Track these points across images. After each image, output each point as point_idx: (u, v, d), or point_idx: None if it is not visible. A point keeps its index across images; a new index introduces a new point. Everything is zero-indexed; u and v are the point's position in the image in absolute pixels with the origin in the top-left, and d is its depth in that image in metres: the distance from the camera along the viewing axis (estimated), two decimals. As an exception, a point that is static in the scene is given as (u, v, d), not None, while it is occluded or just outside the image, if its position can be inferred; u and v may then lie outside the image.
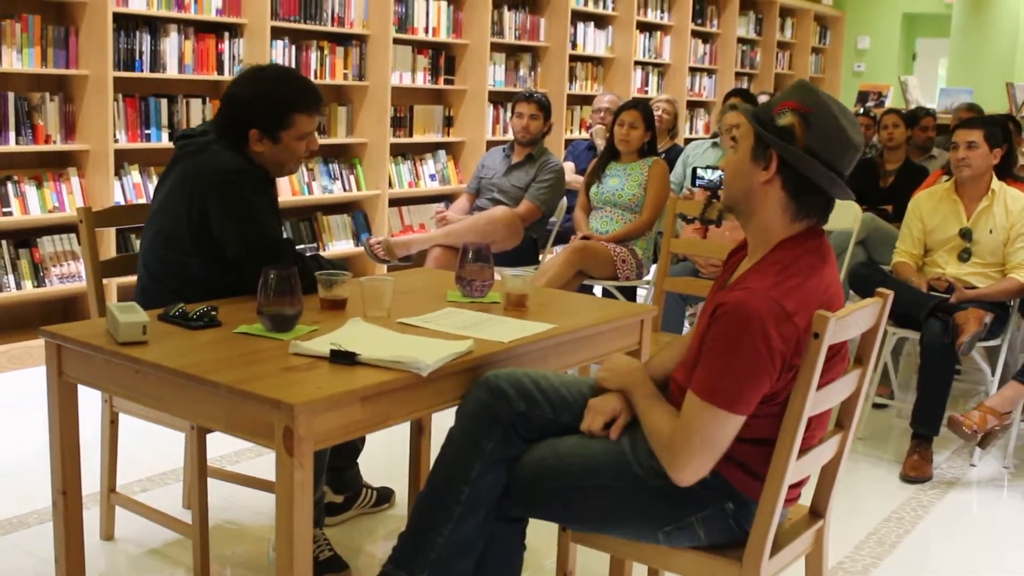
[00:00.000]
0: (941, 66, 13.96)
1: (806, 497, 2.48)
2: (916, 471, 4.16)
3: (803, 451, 2.20)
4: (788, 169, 2.19)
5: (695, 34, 10.51)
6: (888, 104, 9.52)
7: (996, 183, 4.50)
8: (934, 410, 4.25)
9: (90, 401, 2.88)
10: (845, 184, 2.21)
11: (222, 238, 2.89)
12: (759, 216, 2.25)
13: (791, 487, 2.24)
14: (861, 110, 7.88)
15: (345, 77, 6.78)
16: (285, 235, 3.28)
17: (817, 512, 2.49)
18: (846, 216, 4.77)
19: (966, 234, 4.48)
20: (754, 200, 2.25)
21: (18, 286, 5.17)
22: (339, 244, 6.80)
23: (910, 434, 4.30)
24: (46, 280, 5.28)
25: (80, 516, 2.65)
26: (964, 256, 4.49)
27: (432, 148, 7.67)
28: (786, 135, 2.18)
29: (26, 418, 4.39)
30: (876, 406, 4.94)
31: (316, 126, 3.05)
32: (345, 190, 6.85)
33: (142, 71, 5.60)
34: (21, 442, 4.11)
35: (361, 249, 6.38)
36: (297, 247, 3.16)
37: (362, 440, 3.43)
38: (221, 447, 3.96)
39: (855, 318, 2.20)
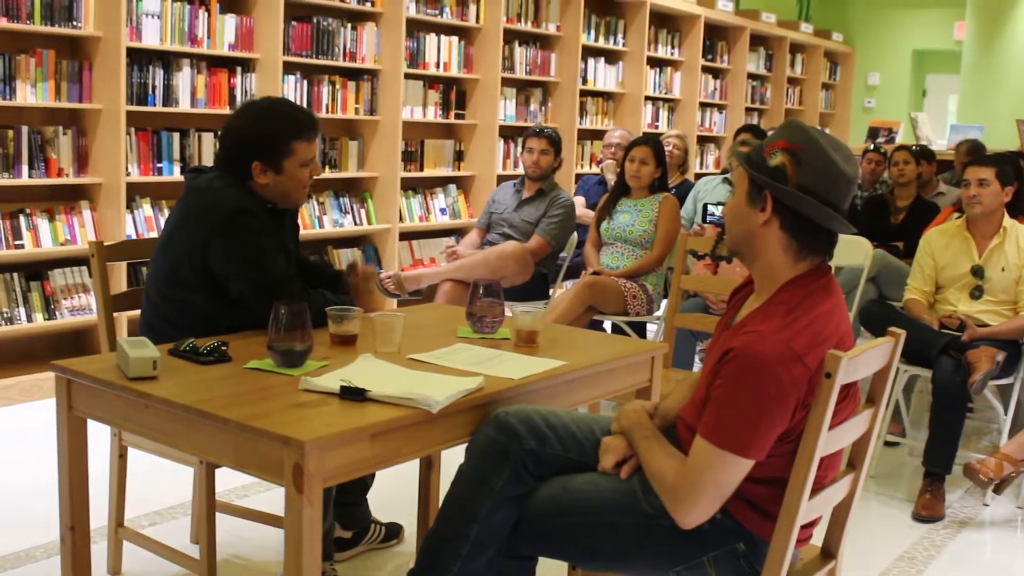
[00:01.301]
0: (951, 102, 13.99)
1: (818, 537, 2.46)
2: (928, 510, 4.13)
3: (815, 491, 2.19)
4: (784, 209, 2.20)
5: (705, 69, 10.55)
6: (899, 140, 9.53)
7: (1008, 220, 4.49)
8: (946, 448, 4.22)
9: (99, 434, 2.87)
10: (844, 218, 2.21)
11: (224, 275, 2.89)
12: (763, 258, 2.25)
13: (803, 527, 2.22)
14: (871, 146, 7.88)
15: (356, 111, 6.81)
16: (316, 259, 3.28)
17: (829, 552, 2.47)
18: (857, 253, 4.76)
19: (978, 271, 4.46)
20: (755, 242, 2.25)
21: (29, 319, 5.18)
22: (349, 278, 6.79)
23: (922, 472, 4.27)
24: (57, 313, 5.29)
25: (88, 551, 2.64)
26: (976, 294, 4.47)
27: (442, 182, 7.70)
28: (778, 175, 2.19)
29: (35, 451, 4.39)
30: (888, 444, 4.91)
31: (316, 151, 3.06)
32: (356, 224, 6.87)
33: (155, 105, 5.64)
34: (30, 475, 4.11)
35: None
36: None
37: (371, 476, 3.42)
38: (229, 481, 3.95)
39: (867, 357, 2.19)
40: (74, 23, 5.25)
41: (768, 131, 7.82)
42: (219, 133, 3.05)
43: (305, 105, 6.44)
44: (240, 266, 2.87)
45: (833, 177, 2.19)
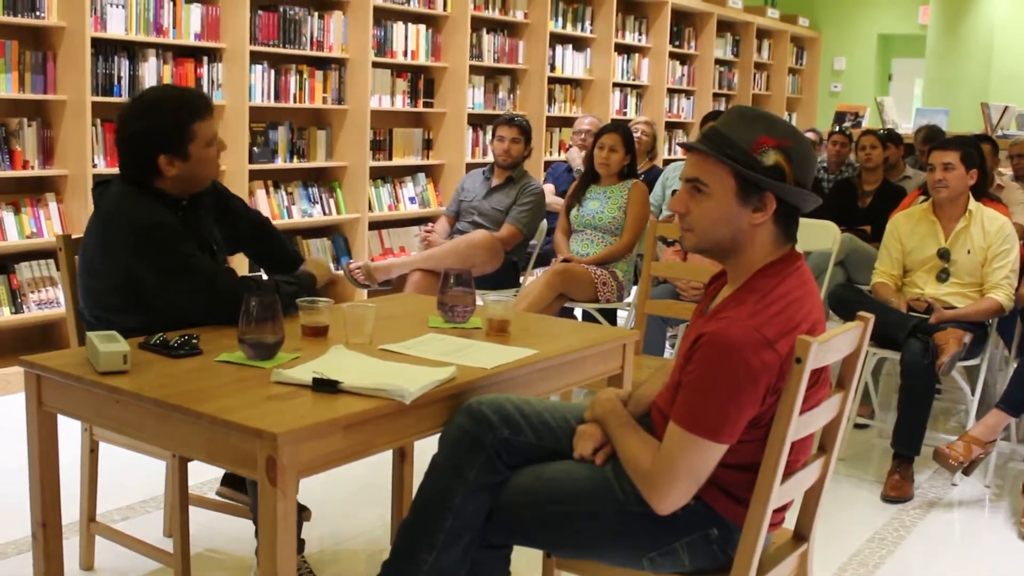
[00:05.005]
0: (917, 86, 14.09)
1: (790, 521, 2.48)
2: (897, 491, 4.18)
3: (786, 475, 2.20)
4: (783, 205, 2.21)
5: (673, 56, 10.57)
6: (865, 124, 9.59)
7: (973, 204, 4.53)
8: (915, 430, 4.26)
9: (70, 427, 2.85)
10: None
11: (158, 294, 2.82)
12: (746, 252, 2.24)
13: (775, 512, 2.24)
14: (837, 129, 7.93)
15: (324, 101, 6.78)
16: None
17: (801, 536, 2.49)
18: (825, 237, 4.80)
19: (944, 254, 4.50)
20: (742, 239, 2.23)
21: (-4, 313, 5.14)
22: (319, 268, 6.76)
23: (891, 454, 4.32)
24: (24, 306, 5.24)
25: (60, 547, 2.62)
26: (942, 276, 4.51)
27: (411, 171, 7.68)
28: (777, 174, 2.18)
29: (3, 446, 4.35)
30: (857, 426, 4.95)
31: (215, 127, 3.00)
32: (325, 214, 6.84)
33: (120, 96, 5.59)
34: (-1, 471, 4.08)
35: (341, 273, 6.36)
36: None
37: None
38: (202, 474, 3.92)
39: (837, 342, 2.21)
40: (37, 13, 5.20)
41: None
42: (115, 138, 2.99)
43: (273, 95, 6.42)
44: (168, 279, 2.81)
45: (813, 164, 2.27)
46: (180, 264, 2.82)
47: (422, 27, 7.49)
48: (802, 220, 2.32)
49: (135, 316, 2.85)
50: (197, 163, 2.94)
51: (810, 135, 8.95)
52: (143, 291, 2.83)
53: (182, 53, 5.93)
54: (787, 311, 2.15)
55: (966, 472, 4.14)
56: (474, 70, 7.92)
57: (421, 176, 7.70)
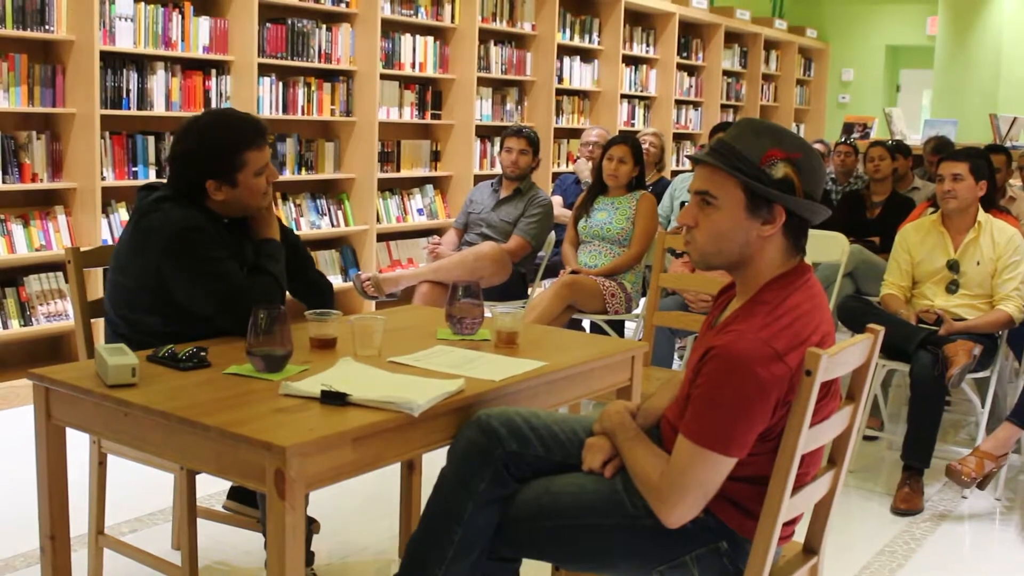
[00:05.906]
0: (925, 97, 14.08)
1: (799, 534, 2.47)
2: (907, 503, 4.16)
3: (797, 488, 2.19)
4: (792, 217, 2.21)
5: (680, 67, 10.57)
6: (873, 135, 9.59)
7: (982, 215, 4.51)
8: (925, 442, 4.25)
9: (78, 440, 2.85)
10: None
11: (188, 298, 2.84)
12: (755, 264, 2.24)
13: (785, 525, 2.23)
14: (844, 140, 7.92)
15: (332, 113, 6.80)
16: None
17: (811, 549, 2.48)
18: (834, 248, 4.78)
19: (953, 266, 4.49)
20: (750, 252, 2.22)
21: (4, 325, 5.15)
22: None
23: (901, 466, 4.30)
24: (33, 319, 5.25)
25: (68, 560, 2.62)
26: (952, 288, 4.50)
27: (419, 182, 7.69)
28: (786, 187, 2.18)
29: (12, 458, 4.35)
30: (866, 438, 4.93)
31: (268, 156, 3.00)
32: (333, 225, 6.85)
33: (129, 109, 5.61)
34: (8, 483, 4.07)
35: (349, 284, 6.37)
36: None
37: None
38: (210, 486, 3.92)
39: (847, 355, 2.20)
40: (46, 27, 5.22)
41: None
42: (166, 156, 3.00)
43: (281, 107, 6.43)
44: (197, 282, 2.82)
45: (823, 176, 2.27)
46: (210, 268, 2.83)
47: (430, 39, 7.50)
48: (811, 231, 2.31)
49: (162, 318, 2.87)
50: (245, 190, 2.95)
51: (818, 147, 8.94)
52: (171, 292, 2.84)
53: (190, 66, 5.95)
54: (797, 324, 2.14)
55: (980, 487, 4.12)
56: (482, 82, 7.94)
57: (429, 188, 7.71)
